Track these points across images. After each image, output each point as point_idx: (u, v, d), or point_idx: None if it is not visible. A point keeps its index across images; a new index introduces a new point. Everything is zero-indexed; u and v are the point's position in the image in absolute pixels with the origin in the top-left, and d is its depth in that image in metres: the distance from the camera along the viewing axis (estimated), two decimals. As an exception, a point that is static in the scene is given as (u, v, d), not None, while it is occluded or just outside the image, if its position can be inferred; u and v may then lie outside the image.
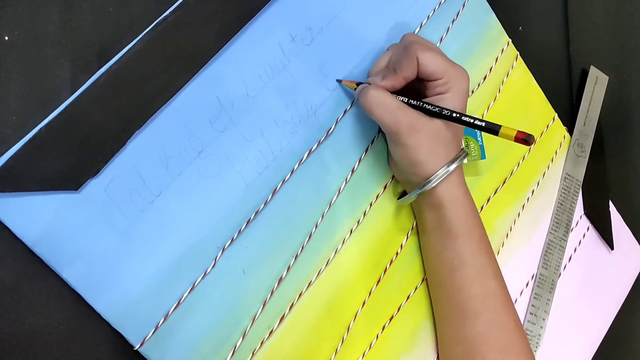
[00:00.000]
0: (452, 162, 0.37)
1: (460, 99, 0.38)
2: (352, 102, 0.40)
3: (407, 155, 0.37)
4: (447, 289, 0.39)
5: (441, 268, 0.40)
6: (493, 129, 0.35)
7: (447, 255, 0.39)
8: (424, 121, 0.37)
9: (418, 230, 0.43)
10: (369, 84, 0.38)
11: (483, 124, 0.35)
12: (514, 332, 0.38)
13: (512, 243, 0.49)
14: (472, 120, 0.36)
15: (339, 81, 0.40)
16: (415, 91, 0.39)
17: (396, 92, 0.38)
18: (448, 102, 0.37)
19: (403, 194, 0.43)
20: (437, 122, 0.37)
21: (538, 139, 0.51)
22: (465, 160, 0.38)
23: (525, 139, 0.33)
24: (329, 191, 0.40)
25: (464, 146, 0.44)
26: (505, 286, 0.40)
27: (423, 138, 0.37)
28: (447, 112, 0.36)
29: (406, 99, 0.38)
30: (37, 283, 0.31)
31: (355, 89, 0.39)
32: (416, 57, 0.37)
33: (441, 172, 0.37)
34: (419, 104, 0.37)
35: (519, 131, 0.34)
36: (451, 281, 0.39)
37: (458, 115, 0.36)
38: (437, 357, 0.43)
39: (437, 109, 0.37)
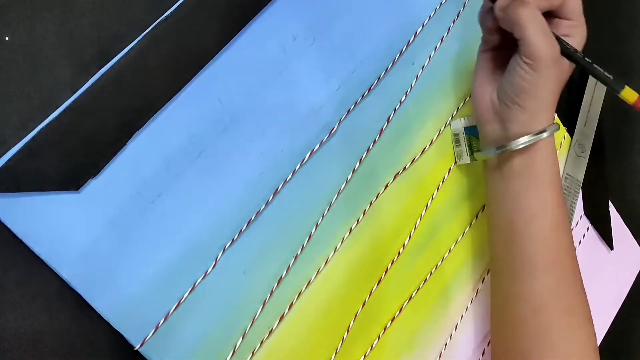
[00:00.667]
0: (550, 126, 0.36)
1: (580, 47, 0.37)
2: (355, 102, 0.40)
3: (535, 84, 0.35)
4: (521, 239, 0.37)
5: (518, 216, 0.38)
6: (615, 87, 0.35)
7: (529, 202, 0.37)
8: (560, 57, 0.36)
9: (488, 176, 0.41)
10: None
11: (610, 77, 0.35)
12: (579, 293, 0.38)
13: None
14: (602, 72, 0.35)
15: None
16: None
17: None
18: (572, 40, 0.37)
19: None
20: (566, 63, 0.36)
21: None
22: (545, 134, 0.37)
23: None
24: (329, 191, 0.40)
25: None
26: (574, 246, 0.39)
27: (555, 74, 0.35)
28: (581, 56, 0.36)
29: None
30: (37, 283, 0.31)
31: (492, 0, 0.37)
32: None
33: (551, 128, 0.36)
34: (560, 37, 0.36)
35: (639, 97, 0.34)
36: (528, 230, 0.37)
37: (590, 62, 0.36)
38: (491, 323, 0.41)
39: (573, 49, 0.36)
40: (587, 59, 0.36)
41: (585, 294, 0.38)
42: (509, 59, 0.37)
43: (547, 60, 0.34)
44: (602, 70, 0.36)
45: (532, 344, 0.37)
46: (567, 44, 0.36)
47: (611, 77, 0.35)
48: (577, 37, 0.37)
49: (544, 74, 0.35)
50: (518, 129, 0.36)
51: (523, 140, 0.36)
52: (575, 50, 0.36)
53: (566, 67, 0.37)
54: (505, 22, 0.36)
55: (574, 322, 0.37)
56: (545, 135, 0.36)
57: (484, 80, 0.39)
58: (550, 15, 0.37)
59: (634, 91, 0.34)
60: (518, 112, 0.36)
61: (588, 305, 0.38)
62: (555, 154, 0.38)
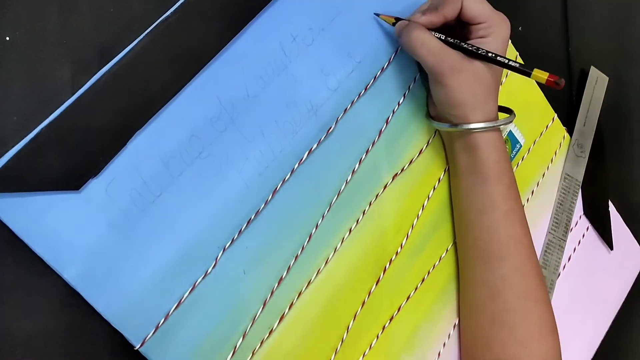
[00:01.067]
0: (498, 121, 0.39)
1: (501, 44, 0.39)
2: (352, 102, 0.41)
3: (448, 95, 0.38)
4: (475, 232, 0.41)
5: (470, 210, 0.41)
6: (525, 70, 0.37)
7: (478, 197, 0.40)
8: (465, 62, 0.38)
9: (449, 173, 0.44)
10: (407, 20, 0.40)
11: (517, 65, 0.37)
12: (534, 279, 0.40)
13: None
14: (506, 61, 0.38)
15: (376, 15, 0.41)
16: (454, 36, 0.40)
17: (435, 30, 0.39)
18: (488, 46, 0.39)
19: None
20: (477, 64, 0.38)
21: (537, 139, 0.51)
22: (503, 125, 0.40)
23: (556, 81, 0.36)
24: (328, 191, 0.40)
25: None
26: (530, 234, 0.41)
27: (464, 79, 0.38)
28: (483, 52, 0.38)
29: (443, 36, 0.39)
30: (37, 283, 0.31)
31: (393, 24, 0.41)
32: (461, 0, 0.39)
33: (485, 125, 0.39)
34: (457, 42, 0.39)
35: (550, 74, 0.36)
36: (479, 223, 0.40)
37: (493, 55, 0.38)
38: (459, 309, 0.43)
39: (474, 48, 0.38)
40: (490, 54, 0.38)
41: (541, 279, 0.41)
42: None
43: (445, 72, 0.38)
44: (507, 60, 0.38)
45: (491, 330, 0.39)
46: (469, 45, 0.39)
47: (518, 64, 0.37)
48: (495, 36, 0.39)
49: (451, 84, 0.38)
50: (460, 122, 0.40)
51: (466, 127, 0.39)
52: (477, 49, 0.38)
53: (479, 67, 0.39)
54: (404, 48, 0.40)
55: (529, 306, 0.39)
56: (486, 127, 0.39)
57: (429, 97, 0.43)
58: (463, 24, 0.40)
59: (543, 71, 0.36)
60: (450, 118, 0.40)
61: (545, 288, 0.41)
62: (500, 151, 0.40)
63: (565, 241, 0.52)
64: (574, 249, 0.53)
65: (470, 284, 0.42)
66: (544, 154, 0.52)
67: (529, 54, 0.50)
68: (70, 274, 0.31)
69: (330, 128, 0.39)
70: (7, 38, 0.30)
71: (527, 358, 0.38)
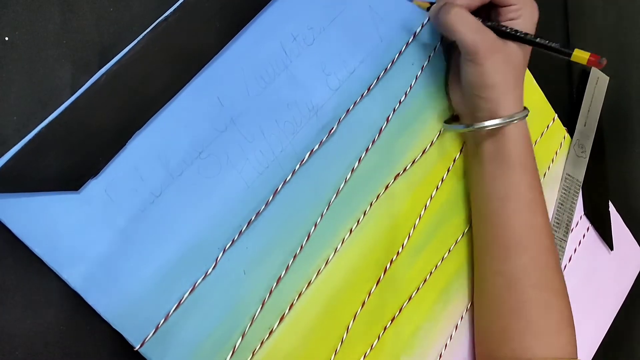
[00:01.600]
0: (520, 113, 0.39)
1: (531, 25, 0.39)
2: (354, 102, 0.40)
3: (482, 75, 0.38)
4: (495, 220, 0.40)
5: (492, 198, 0.40)
6: (566, 51, 0.37)
7: (501, 185, 0.40)
8: (501, 43, 0.38)
9: (469, 161, 0.44)
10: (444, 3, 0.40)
11: (557, 45, 0.38)
12: (552, 270, 0.39)
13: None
14: (545, 42, 0.38)
15: (410, 0, 0.41)
16: (484, 19, 0.40)
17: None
18: (519, 27, 0.39)
19: (453, 119, 0.44)
20: (512, 46, 0.39)
21: (539, 139, 0.51)
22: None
23: (599, 61, 0.36)
24: (329, 191, 0.40)
25: None
26: (550, 225, 0.41)
27: (499, 60, 0.38)
28: (522, 34, 0.38)
29: (481, 19, 0.39)
30: (37, 283, 0.31)
31: (427, 8, 0.41)
32: None
33: (519, 115, 0.38)
34: (493, 24, 0.39)
35: (592, 54, 0.36)
36: (501, 212, 0.40)
37: (531, 36, 0.38)
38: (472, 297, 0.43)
39: (512, 30, 0.38)
40: (528, 36, 0.38)
41: (560, 271, 0.40)
42: None
43: (483, 52, 0.37)
44: (546, 41, 0.38)
45: (508, 320, 0.39)
46: (507, 27, 0.39)
47: (558, 44, 0.38)
48: (525, 18, 0.39)
49: (487, 64, 0.38)
50: (484, 116, 0.39)
51: (487, 124, 0.39)
52: (515, 31, 0.39)
53: (514, 49, 0.39)
54: (440, 29, 0.40)
55: (547, 297, 0.39)
56: (510, 120, 0.38)
57: (454, 80, 0.43)
58: (493, 5, 0.40)
59: (584, 52, 0.37)
60: (480, 102, 0.39)
61: (563, 280, 0.40)
62: (527, 139, 0.40)
63: (566, 242, 0.52)
64: (575, 250, 0.52)
65: (487, 274, 0.41)
66: (544, 155, 0.51)
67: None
68: (69, 275, 0.31)
69: (332, 129, 0.39)
70: (7, 38, 0.30)
71: (544, 350, 0.38)
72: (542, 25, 0.53)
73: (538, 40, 0.38)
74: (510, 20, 0.39)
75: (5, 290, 0.30)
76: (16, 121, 0.30)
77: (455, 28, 0.38)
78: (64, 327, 0.32)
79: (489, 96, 0.38)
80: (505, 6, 0.39)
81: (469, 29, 0.38)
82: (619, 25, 0.59)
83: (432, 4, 0.41)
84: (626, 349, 0.57)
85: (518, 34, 0.38)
